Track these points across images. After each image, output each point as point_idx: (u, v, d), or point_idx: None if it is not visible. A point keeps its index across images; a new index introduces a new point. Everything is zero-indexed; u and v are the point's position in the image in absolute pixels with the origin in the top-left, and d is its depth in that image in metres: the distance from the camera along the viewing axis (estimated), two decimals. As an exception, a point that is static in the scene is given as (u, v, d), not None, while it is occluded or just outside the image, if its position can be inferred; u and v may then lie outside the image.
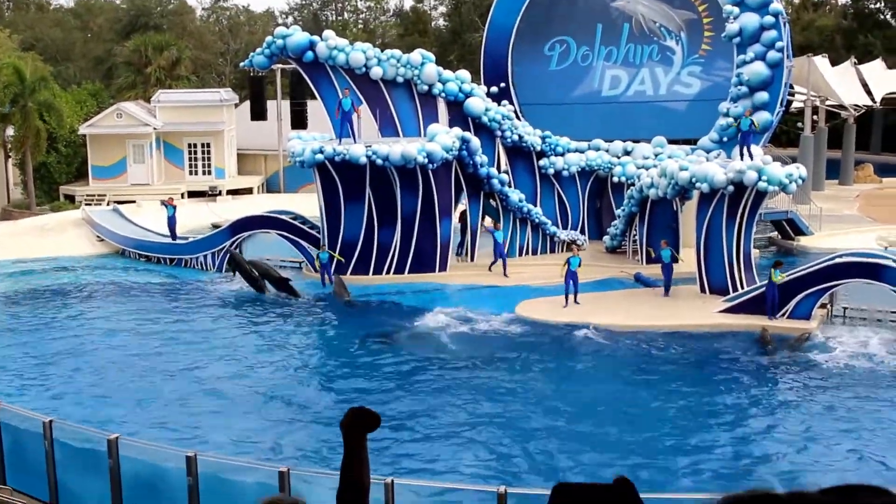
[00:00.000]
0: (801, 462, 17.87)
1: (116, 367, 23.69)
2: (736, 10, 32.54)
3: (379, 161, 30.88)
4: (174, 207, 37.50)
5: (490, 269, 32.52)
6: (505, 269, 32.24)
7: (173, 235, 36.97)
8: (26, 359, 24.51)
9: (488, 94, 35.14)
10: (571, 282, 28.56)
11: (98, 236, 39.47)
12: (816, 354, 24.39)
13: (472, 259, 33.98)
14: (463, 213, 34.34)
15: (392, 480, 12.51)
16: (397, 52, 34.70)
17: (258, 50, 34.85)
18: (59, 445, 14.92)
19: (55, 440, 14.91)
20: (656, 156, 34.37)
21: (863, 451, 18.34)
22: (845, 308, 27.57)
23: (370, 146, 31.22)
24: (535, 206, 34.71)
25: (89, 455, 14.80)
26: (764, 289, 26.79)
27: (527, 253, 34.31)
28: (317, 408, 20.97)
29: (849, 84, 55.41)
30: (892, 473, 17.15)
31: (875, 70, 59.12)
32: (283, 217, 34.45)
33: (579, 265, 28.68)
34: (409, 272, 32.18)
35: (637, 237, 33.31)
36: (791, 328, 26.05)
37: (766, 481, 16.80)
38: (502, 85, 35.96)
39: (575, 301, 28.47)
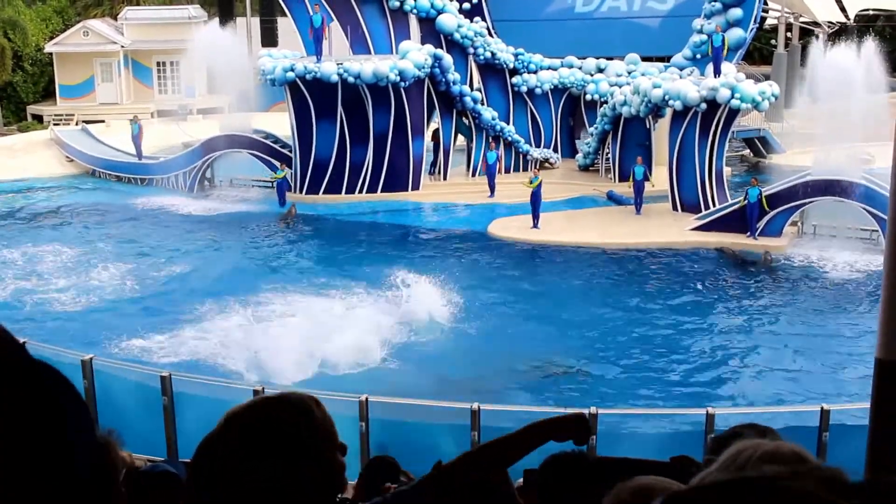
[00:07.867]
0: (753, 377, 18.29)
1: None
2: (710, -76, 32.16)
3: (350, 79, 30.58)
4: (139, 125, 37.09)
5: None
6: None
7: (139, 154, 36.64)
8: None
9: (460, 11, 34.68)
10: (531, 204, 28.23)
11: (67, 156, 39.02)
12: (786, 271, 24.69)
13: (444, 178, 33.89)
14: (435, 132, 34.15)
15: (367, 398, 12.57)
16: (368, -33, 34.15)
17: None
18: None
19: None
20: (629, 73, 34.17)
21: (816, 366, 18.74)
22: (815, 226, 27.80)
23: (341, 64, 30.90)
24: (508, 124, 34.53)
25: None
26: (735, 206, 26.97)
27: (500, 172, 34.14)
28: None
29: (823, 0, 55.10)
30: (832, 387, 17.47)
31: (849, -14, 58.71)
32: (255, 136, 34.13)
33: (537, 184, 28.22)
34: (381, 191, 32.09)
35: (610, 155, 33.29)
36: (761, 246, 26.27)
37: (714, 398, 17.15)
38: (474, 1, 35.41)
39: (534, 225, 28.15)
